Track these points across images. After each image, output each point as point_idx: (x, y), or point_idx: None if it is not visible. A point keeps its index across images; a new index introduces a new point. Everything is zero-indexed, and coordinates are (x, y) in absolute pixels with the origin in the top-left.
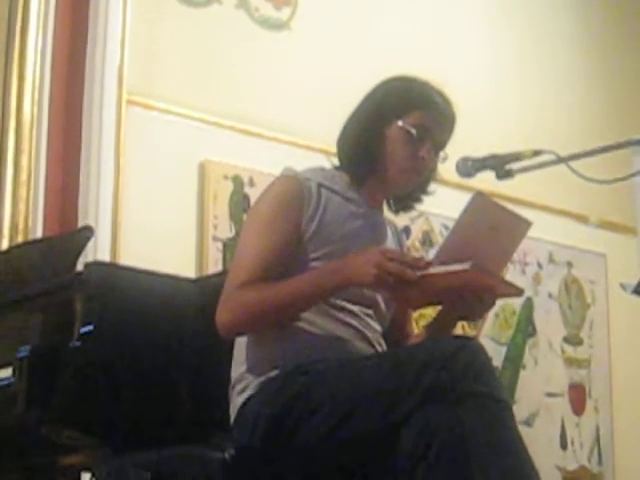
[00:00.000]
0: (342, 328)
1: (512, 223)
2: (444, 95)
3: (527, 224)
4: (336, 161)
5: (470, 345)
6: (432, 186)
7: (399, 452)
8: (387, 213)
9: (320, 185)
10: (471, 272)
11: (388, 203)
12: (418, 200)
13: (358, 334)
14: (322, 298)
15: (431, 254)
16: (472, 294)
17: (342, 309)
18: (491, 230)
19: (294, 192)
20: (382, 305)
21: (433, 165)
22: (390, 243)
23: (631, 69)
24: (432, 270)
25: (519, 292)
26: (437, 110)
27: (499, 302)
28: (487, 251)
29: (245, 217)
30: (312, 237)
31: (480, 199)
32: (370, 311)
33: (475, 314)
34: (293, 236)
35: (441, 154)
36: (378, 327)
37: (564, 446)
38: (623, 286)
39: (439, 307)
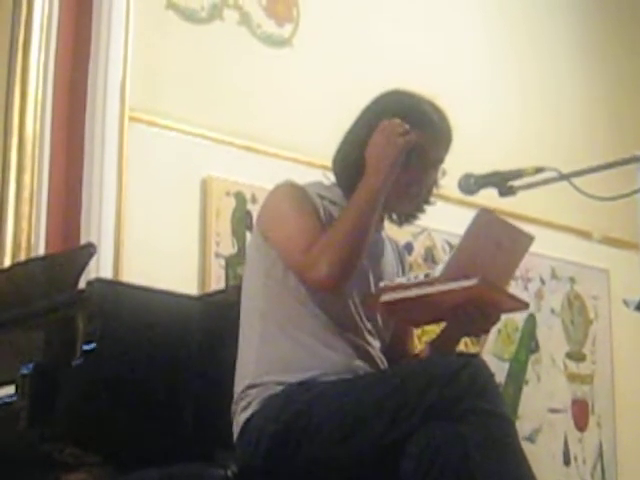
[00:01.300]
0: (344, 343)
1: (515, 238)
2: (440, 111)
3: (530, 238)
4: (332, 177)
5: (473, 362)
6: (434, 200)
7: (402, 469)
8: (390, 228)
9: (321, 197)
10: (480, 287)
11: (390, 217)
12: (421, 210)
13: (360, 350)
14: (374, 207)
15: (434, 270)
16: (478, 309)
17: (343, 325)
18: (496, 245)
19: (302, 191)
20: (381, 322)
21: (430, 185)
22: (390, 259)
23: (634, 84)
24: (441, 287)
25: (525, 306)
26: (434, 130)
27: (502, 318)
28: (492, 266)
29: (264, 220)
30: None
31: (485, 215)
32: (370, 327)
33: (480, 330)
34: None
35: (440, 168)
36: (378, 343)
37: (567, 462)
38: (626, 302)
39: (441, 324)
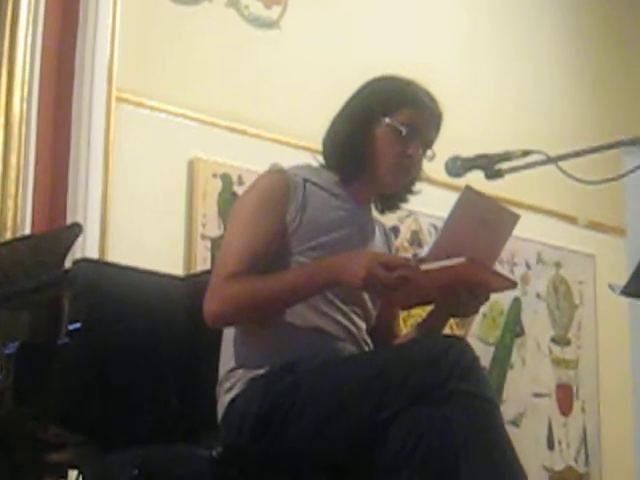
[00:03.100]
0: (329, 324)
1: (501, 216)
2: (430, 94)
3: (515, 217)
4: (322, 159)
5: (458, 345)
6: (419, 185)
7: (386, 451)
8: (375, 213)
9: (306, 180)
10: (467, 265)
11: (374, 203)
12: (404, 200)
13: (345, 332)
14: (311, 294)
15: (420, 253)
16: (466, 290)
17: (330, 304)
18: (481, 224)
19: (280, 186)
20: (369, 303)
21: (420, 164)
22: (378, 242)
23: (621, 69)
24: (427, 266)
25: (513, 285)
26: (425, 108)
27: (487, 302)
28: (478, 245)
29: (232, 210)
30: (296, 230)
31: (470, 193)
32: (357, 309)
33: (468, 310)
34: (279, 228)
35: (429, 152)
36: (363, 325)
37: (551, 446)
38: (612, 287)
39: (428, 307)
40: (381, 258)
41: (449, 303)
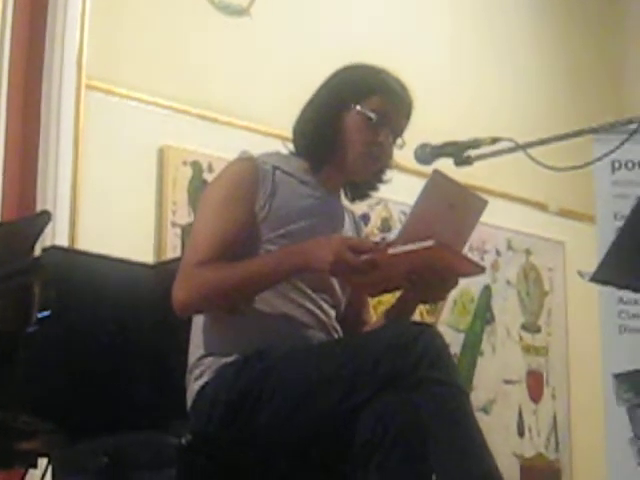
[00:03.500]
0: (299, 311)
1: (469, 200)
2: (401, 81)
3: (483, 202)
4: (292, 147)
5: (427, 332)
6: (389, 174)
7: (356, 438)
8: (345, 201)
9: (275, 167)
10: (436, 249)
11: (345, 191)
12: (374, 188)
13: (315, 319)
14: (279, 280)
15: (389, 238)
16: (434, 274)
17: (299, 292)
18: (449, 208)
19: (249, 173)
20: (338, 290)
21: (390, 152)
22: (347, 229)
23: (591, 56)
24: (395, 250)
25: (481, 270)
26: (395, 96)
27: (457, 289)
28: (447, 230)
29: (201, 197)
30: (266, 218)
31: (438, 177)
32: (326, 296)
33: (437, 296)
34: (248, 216)
35: (398, 141)
36: (333, 312)
37: (521, 433)
38: (581, 274)
39: (397, 293)
40: (349, 242)
41: (418, 288)
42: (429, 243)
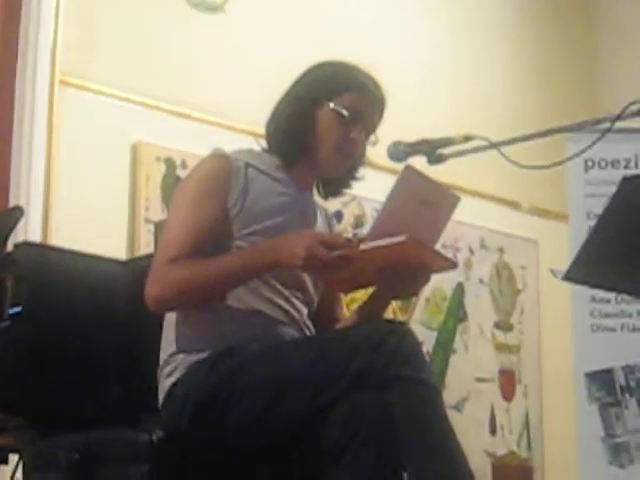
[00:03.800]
0: (271, 308)
1: (441, 196)
2: (374, 79)
3: (456, 198)
4: (265, 144)
5: (399, 330)
6: (362, 171)
7: (327, 436)
8: (318, 198)
9: (248, 165)
10: (408, 244)
11: (317, 188)
12: (347, 185)
13: (287, 316)
14: (252, 277)
15: (361, 234)
16: (407, 270)
17: (272, 288)
18: (421, 204)
19: (221, 170)
20: (310, 287)
21: (363, 149)
22: (320, 226)
23: (566, 55)
24: (367, 245)
25: (453, 265)
26: (368, 92)
27: (430, 287)
28: (419, 226)
29: (174, 194)
30: (238, 215)
31: (410, 172)
32: (298, 293)
33: (409, 292)
34: (221, 213)
35: (372, 138)
36: (305, 310)
37: (493, 431)
38: (554, 272)
39: (370, 290)
40: (321, 237)
41: (390, 284)
42: (401, 238)
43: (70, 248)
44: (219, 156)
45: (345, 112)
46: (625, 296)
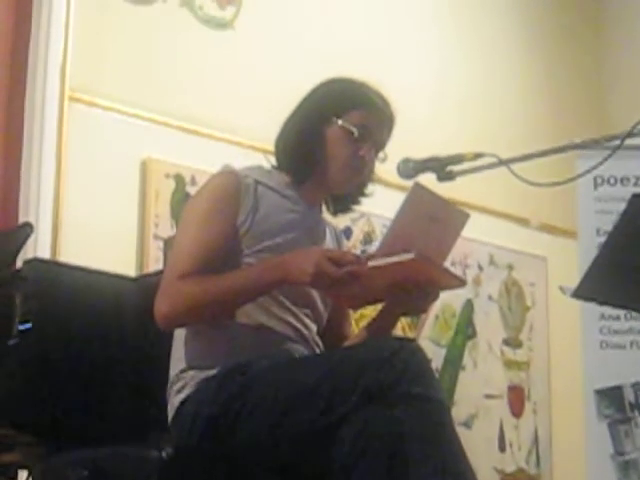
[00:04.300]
0: (280, 325)
1: (450, 213)
2: (383, 96)
3: (465, 215)
4: (274, 161)
5: (409, 347)
6: (370, 188)
7: (337, 453)
8: (327, 215)
9: (257, 182)
10: (417, 261)
11: (326, 205)
12: (356, 202)
13: (296, 333)
14: (261, 294)
15: (372, 250)
16: (415, 287)
17: (281, 306)
18: (430, 221)
19: (231, 186)
20: (320, 305)
21: (372, 165)
22: (329, 243)
23: (575, 73)
24: (376, 262)
25: (462, 283)
26: (377, 110)
27: (439, 303)
28: (428, 243)
29: (184, 210)
30: (247, 232)
31: (419, 190)
32: (307, 310)
33: (418, 309)
34: (230, 229)
35: (380, 154)
36: (314, 326)
37: (502, 448)
38: (563, 289)
39: (379, 307)
40: (330, 254)
41: (399, 301)
42: (410, 255)
43: (79, 265)
44: (229, 173)
45: (354, 129)
46: (634, 313)
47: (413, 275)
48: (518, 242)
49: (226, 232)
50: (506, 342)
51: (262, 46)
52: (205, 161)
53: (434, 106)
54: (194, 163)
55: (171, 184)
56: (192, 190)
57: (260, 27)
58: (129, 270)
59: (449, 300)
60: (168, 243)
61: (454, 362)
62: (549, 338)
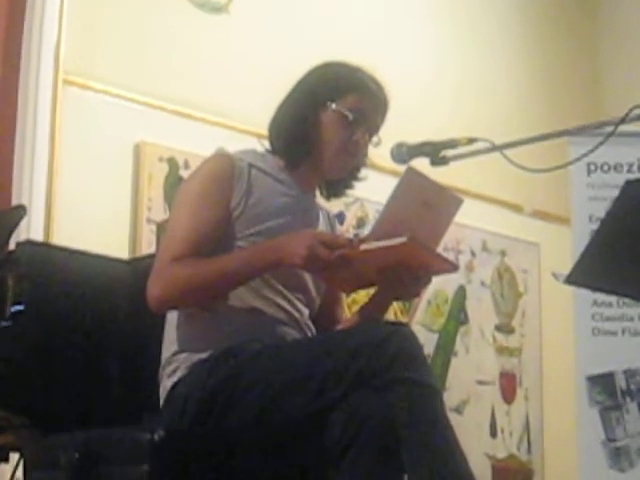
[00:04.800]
0: (272, 309)
1: (443, 199)
2: (377, 80)
3: (458, 200)
4: (268, 145)
5: (401, 331)
6: (364, 172)
7: (328, 437)
8: (320, 199)
9: (251, 165)
10: (409, 245)
11: (320, 189)
12: (349, 186)
13: (288, 316)
14: (253, 276)
15: (362, 234)
16: (408, 271)
17: (273, 290)
18: (423, 206)
19: (225, 169)
20: (312, 289)
21: (366, 150)
22: (322, 227)
23: (569, 60)
24: (368, 246)
25: (454, 268)
26: (371, 94)
27: (431, 289)
28: (421, 227)
29: (177, 193)
30: (241, 215)
31: (412, 174)
32: (300, 294)
33: (410, 293)
34: (223, 213)
35: (374, 139)
36: (306, 310)
37: (494, 434)
38: (555, 275)
39: (371, 291)
40: (322, 237)
41: (391, 285)
42: (402, 239)
43: (72, 247)
44: (222, 156)
45: (349, 113)
46: (627, 300)
47: (405, 259)
48: (511, 228)
49: (219, 215)
50: (498, 328)
51: (257, 30)
52: (198, 145)
53: (428, 91)
54: (187, 147)
55: (164, 168)
56: (185, 174)
57: (255, 11)
58: (122, 253)
59: (441, 286)
60: (161, 226)
61: (446, 348)
62: (541, 324)
